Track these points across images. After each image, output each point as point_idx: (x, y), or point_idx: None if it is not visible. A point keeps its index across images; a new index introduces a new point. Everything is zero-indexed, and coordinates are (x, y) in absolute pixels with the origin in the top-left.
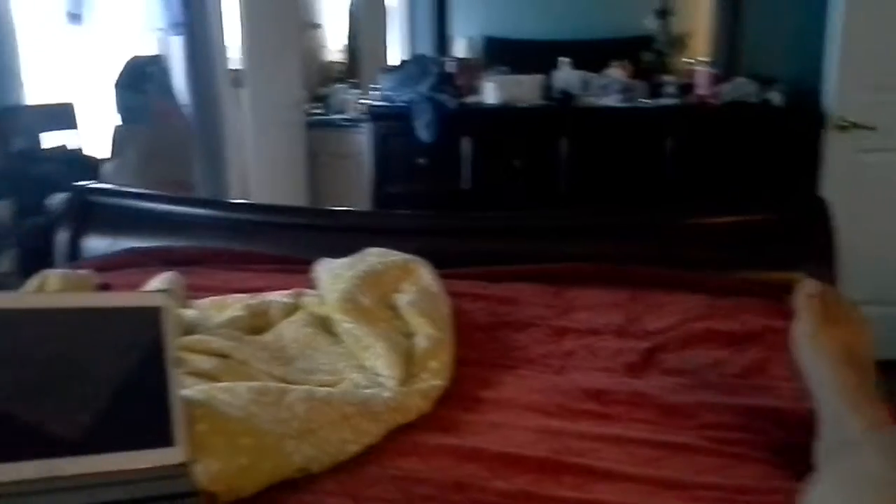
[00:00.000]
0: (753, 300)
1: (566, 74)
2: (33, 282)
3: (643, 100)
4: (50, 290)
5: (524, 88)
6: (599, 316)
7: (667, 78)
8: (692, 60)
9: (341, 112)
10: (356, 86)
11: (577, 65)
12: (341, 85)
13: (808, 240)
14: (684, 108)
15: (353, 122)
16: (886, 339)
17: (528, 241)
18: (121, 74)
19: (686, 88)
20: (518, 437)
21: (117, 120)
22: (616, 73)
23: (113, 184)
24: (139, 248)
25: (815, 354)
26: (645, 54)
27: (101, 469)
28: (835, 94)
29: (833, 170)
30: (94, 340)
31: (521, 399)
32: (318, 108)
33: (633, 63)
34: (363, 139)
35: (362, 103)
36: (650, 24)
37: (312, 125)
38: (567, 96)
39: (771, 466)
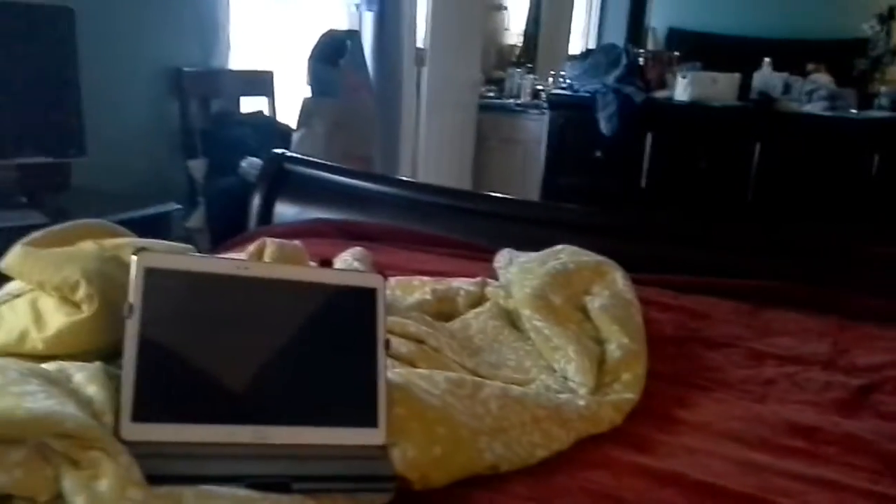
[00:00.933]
0: None
1: (767, 75)
2: (250, 248)
3: (852, 110)
4: (267, 258)
5: (719, 87)
6: (802, 343)
7: (882, 89)
8: None
9: (515, 97)
10: (532, 71)
11: (777, 66)
12: (517, 69)
13: None
14: None
15: (526, 108)
16: None
17: (716, 251)
18: (315, 47)
19: None
20: (717, 467)
21: (307, 92)
22: (823, 78)
23: (298, 153)
24: (325, 218)
25: None
26: (859, 61)
27: (308, 441)
28: None
29: None
30: (311, 315)
31: (719, 425)
32: (491, 90)
33: (838, 69)
34: (534, 125)
35: (538, 89)
36: (869, 28)
37: (484, 108)
38: (766, 98)
39: None
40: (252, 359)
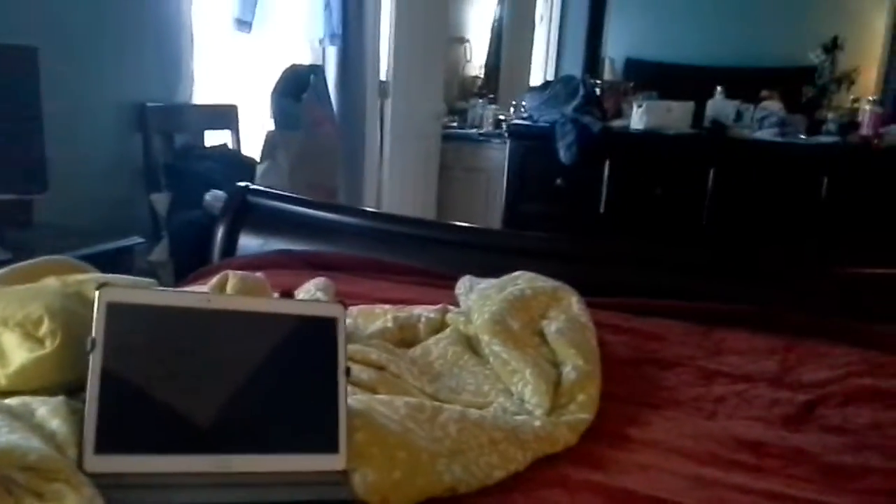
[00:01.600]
0: None
1: (720, 103)
2: (213, 281)
3: (801, 136)
4: (230, 290)
5: (673, 115)
6: (751, 362)
7: (829, 115)
8: (857, 98)
9: (477, 127)
10: (494, 101)
11: (729, 94)
12: (480, 100)
13: None
14: (845, 148)
15: (488, 137)
16: None
17: (671, 274)
18: (279, 81)
19: (848, 127)
20: (668, 482)
21: (271, 125)
22: (774, 105)
23: (262, 185)
24: (288, 250)
25: None
26: (807, 88)
27: (269, 469)
28: None
29: None
30: (273, 345)
31: (671, 442)
32: (454, 121)
33: (789, 96)
34: (496, 154)
35: (500, 119)
36: (816, 57)
37: (447, 138)
38: (719, 126)
39: None
40: (214, 389)
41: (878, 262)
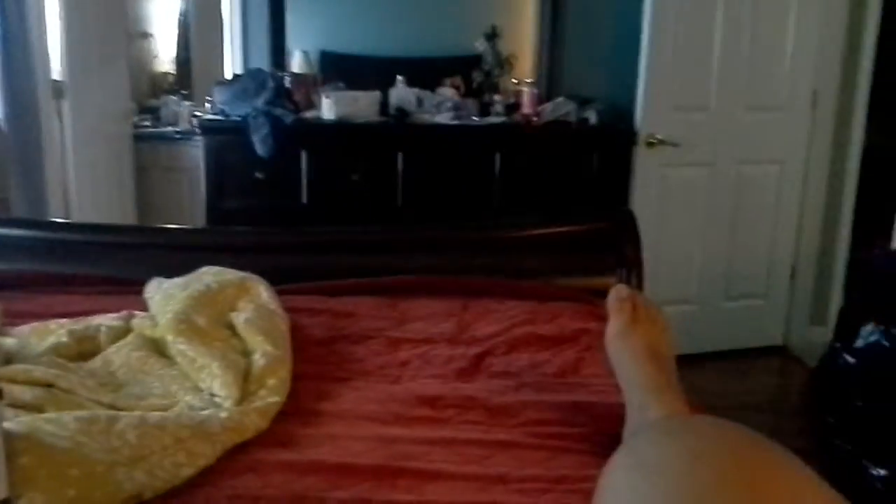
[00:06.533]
0: (571, 305)
1: (401, 91)
2: None
3: (474, 118)
4: None
5: (361, 105)
6: (433, 325)
7: (495, 97)
8: (518, 81)
9: (173, 125)
10: (188, 97)
11: (413, 82)
12: (172, 97)
13: (618, 249)
14: (510, 126)
15: (186, 135)
16: (686, 336)
17: (365, 255)
18: None
19: (512, 108)
20: (355, 447)
21: None
22: (448, 91)
23: None
24: None
25: (623, 352)
26: (475, 74)
27: None
28: (644, 113)
29: (642, 183)
30: None
31: (359, 410)
32: (148, 120)
33: (466, 82)
34: (197, 153)
35: (196, 116)
36: (480, 45)
37: (142, 138)
38: (402, 113)
39: (587, 456)
40: None
41: (539, 224)
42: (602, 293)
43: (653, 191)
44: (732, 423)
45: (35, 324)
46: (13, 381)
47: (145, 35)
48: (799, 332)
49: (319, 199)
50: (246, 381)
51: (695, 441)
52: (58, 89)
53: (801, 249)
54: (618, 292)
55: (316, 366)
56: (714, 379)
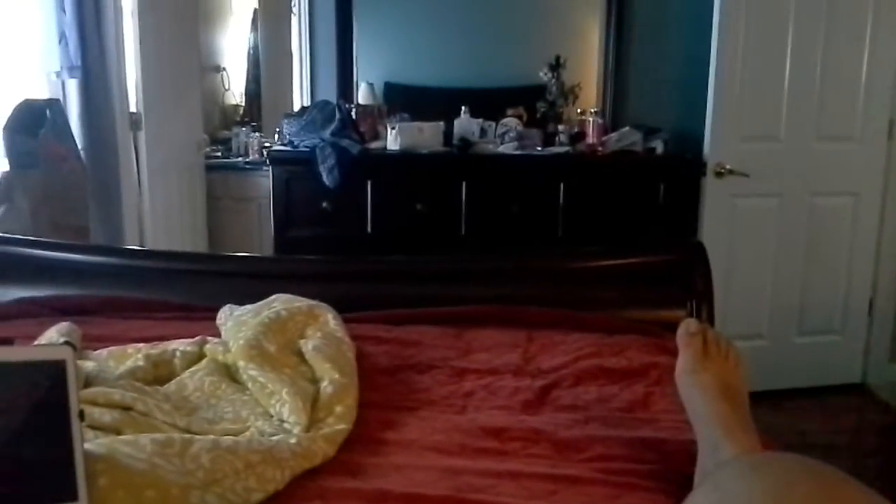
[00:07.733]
0: (639, 338)
1: (465, 122)
2: None
3: (538, 148)
4: None
5: (425, 135)
6: (498, 356)
7: (559, 127)
8: (582, 111)
9: (243, 155)
10: (258, 129)
11: (476, 112)
12: (243, 128)
13: (688, 281)
14: (575, 156)
15: (256, 166)
16: (758, 372)
17: (429, 284)
18: (10, 118)
19: (577, 137)
20: (420, 477)
21: (5, 165)
22: (512, 121)
23: (1, 231)
24: (31, 297)
25: (694, 388)
26: (539, 104)
27: None
28: (713, 143)
29: (711, 213)
30: None
31: (424, 440)
32: (219, 150)
33: (530, 112)
34: (266, 182)
35: (265, 147)
36: (544, 74)
37: (213, 168)
38: (466, 143)
39: (656, 494)
40: None
41: (606, 255)
42: (671, 326)
43: (722, 222)
44: (816, 460)
45: (113, 348)
46: (93, 403)
47: (217, 69)
48: (878, 368)
49: (384, 228)
50: (314, 409)
51: (783, 476)
52: (135, 121)
53: (878, 283)
54: (688, 326)
55: (381, 394)
56: (789, 417)
